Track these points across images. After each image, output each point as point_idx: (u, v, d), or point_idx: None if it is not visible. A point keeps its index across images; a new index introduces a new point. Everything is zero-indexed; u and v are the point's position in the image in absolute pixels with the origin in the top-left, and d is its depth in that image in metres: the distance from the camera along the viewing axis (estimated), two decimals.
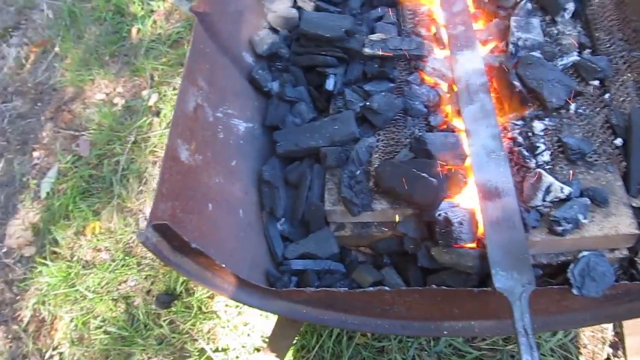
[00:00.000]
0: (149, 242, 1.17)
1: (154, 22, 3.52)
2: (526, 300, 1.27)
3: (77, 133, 3.12)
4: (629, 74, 1.79)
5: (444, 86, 1.76)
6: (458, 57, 1.78)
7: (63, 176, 2.93)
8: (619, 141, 1.64)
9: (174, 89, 3.20)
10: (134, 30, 3.51)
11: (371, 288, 1.38)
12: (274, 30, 1.98)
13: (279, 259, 1.62)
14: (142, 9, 3.58)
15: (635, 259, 1.53)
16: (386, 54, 1.76)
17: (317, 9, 1.98)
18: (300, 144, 1.68)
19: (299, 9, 2.03)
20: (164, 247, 1.23)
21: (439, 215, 1.48)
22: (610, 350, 2.05)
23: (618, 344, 2.05)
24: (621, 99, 1.72)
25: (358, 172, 1.57)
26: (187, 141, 1.41)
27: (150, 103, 3.13)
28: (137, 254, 2.57)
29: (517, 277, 1.32)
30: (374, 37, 1.78)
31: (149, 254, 2.57)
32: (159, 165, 2.92)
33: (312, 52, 1.82)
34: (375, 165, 1.60)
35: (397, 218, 1.59)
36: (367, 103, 1.66)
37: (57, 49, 3.52)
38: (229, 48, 1.76)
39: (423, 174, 1.48)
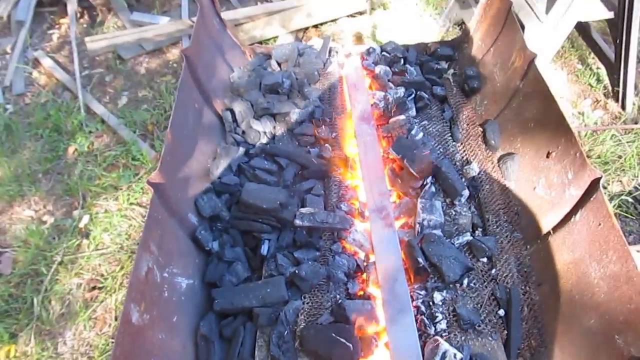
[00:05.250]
0: None
1: (92, 143, 3.63)
2: None
3: (0, 249, 3.10)
4: (511, 252, 2.18)
5: (362, 255, 2.06)
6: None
7: None
8: (501, 312, 1.98)
9: (106, 211, 3.28)
10: (70, 150, 3.59)
11: None
12: (217, 193, 2.23)
13: None
14: (81, 129, 3.70)
15: None
16: (314, 225, 2.06)
17: (256, 177, 2.26)
18: (236, 303, 1.90)
19: (239, 175, 2.31)
20: None
21: None
22: None
23: None
24: (504, 274, 2.08)
25: (286, 332, 1.80)
26: (138, 303, 1.59)
27: (81, 224, 3.17)
28: None
29: None
30: (304, 210, 2.07)
31: None
32: (83, 288, 2.95)
33: (250, 219, 2.09)
34: (301, 327, 1.83)
35: None
36: (296, 271, 1.92)
37: None
38: (176, 211, 1.98)
39: (341, 339, 1.73)
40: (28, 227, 3.17)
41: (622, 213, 3.15)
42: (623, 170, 3.41)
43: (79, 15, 4.68)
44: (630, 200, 3.20)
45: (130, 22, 4.49)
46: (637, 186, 3.28)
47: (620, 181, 3.37)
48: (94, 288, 2.95)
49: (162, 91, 4.00)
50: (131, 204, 3.29)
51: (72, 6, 4.44)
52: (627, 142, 3.52)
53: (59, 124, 3.74)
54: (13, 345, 2.69)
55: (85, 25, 4.69)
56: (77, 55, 4.15)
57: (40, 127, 3.75)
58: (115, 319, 2.77)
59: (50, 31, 4.65)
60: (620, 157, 3.46)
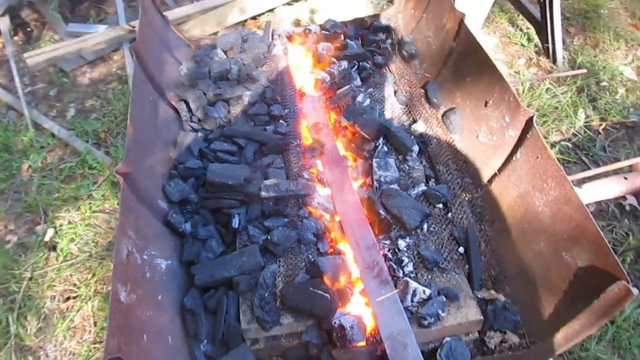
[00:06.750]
0: None
1: (45, 158, 3.60)
2: None
3: None
4: (463, 196, 2.34)
5: (327, 217, 2.19)
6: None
7: None
8: (461, 249, 2.14)
9: (70, 222, 3.25)
10: (24, 167, 3.53)
11: None
12: (183, 178, 2.31)
13: None
14: (32, 146, 3.67)
15: (485, 338, 1.98)
16: (279, 195, 2.17)
17: (218, 159, 2.35)
18: (215, 275, 1.99)
19: (202, 159, 2.40)
20: None
21: (335, 322, 1.84)
22: None
23: None
24: (460, 216, 2.25)
25: (266, 294, 1.90)
26: (124, 284, 1.67)
27: (46, 238, 3.13)
28: None
29: None
30: (268, 182, 2.19)
31: None
32: (57, 299, 2.93)
33: (217, 197, 2.18)
34: (280, 287, 1.95)
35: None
36: (268, 237, 2.03)
37: None
38: (146, 198, 2.06)
39: (318, 291, 1.85)
40: None
41: (564, 158, 3.38)
42: (560, 119, 3.64)
43: (12, 33, 4.62)
44: (570, 145, 3.44)
45: (67, 34, 4.46)
46: (575, 133, 3.52)
47: (559, 130, 3.59)
48: (68, 298, 2.94)
49: (110, 98, 4.01)
50: (94, 212, 3.29)
51: (4, 24, 4.38)
52: (562, 94, 3.76)
53: (8, 143, 3.66)
54: None
55: (21, 43, 4.63)
56: (17, 72, 4.10)
57: None
58: (95, 325, 2.79)
59: None
60: (556, 108, 3.70)
